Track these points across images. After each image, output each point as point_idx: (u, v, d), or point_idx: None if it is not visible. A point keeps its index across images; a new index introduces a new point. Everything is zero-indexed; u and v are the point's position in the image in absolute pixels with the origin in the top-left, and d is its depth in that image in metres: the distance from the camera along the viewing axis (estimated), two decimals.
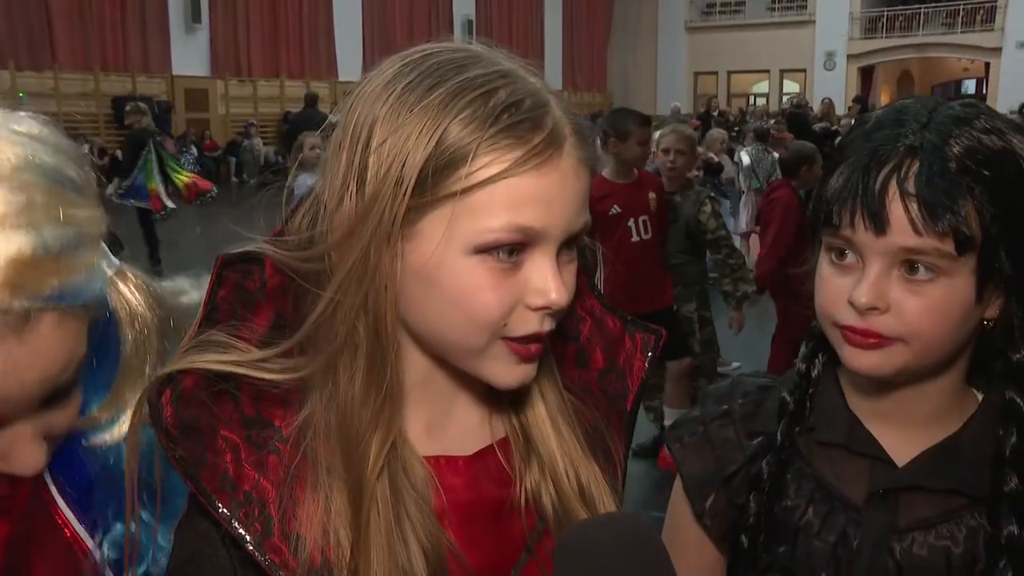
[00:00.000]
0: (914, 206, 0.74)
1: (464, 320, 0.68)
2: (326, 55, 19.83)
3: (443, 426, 0.77)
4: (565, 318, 0.79)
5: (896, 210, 0.75)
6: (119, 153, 14.63)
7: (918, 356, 0.79)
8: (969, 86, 26.55)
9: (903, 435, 0.86)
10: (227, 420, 0.70)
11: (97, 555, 0.77)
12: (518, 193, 0.65)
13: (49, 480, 0.76)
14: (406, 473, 0.72)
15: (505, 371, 0.70)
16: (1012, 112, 18.67)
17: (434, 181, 0.65)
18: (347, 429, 0.70)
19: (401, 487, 0.71)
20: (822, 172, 0.85)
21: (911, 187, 0.74)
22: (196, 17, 17.55)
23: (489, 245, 0.66)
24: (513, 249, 0.67)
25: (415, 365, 0.74)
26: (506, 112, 0.65)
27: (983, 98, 23.32)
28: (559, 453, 0.77)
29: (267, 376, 0.70)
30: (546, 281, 0.67)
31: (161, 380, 0.69)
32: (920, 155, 0.75)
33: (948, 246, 0.74)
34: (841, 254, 0.80)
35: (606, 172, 3.86)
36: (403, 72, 0.68)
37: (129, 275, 0.77)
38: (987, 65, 23.64)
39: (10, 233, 0.56)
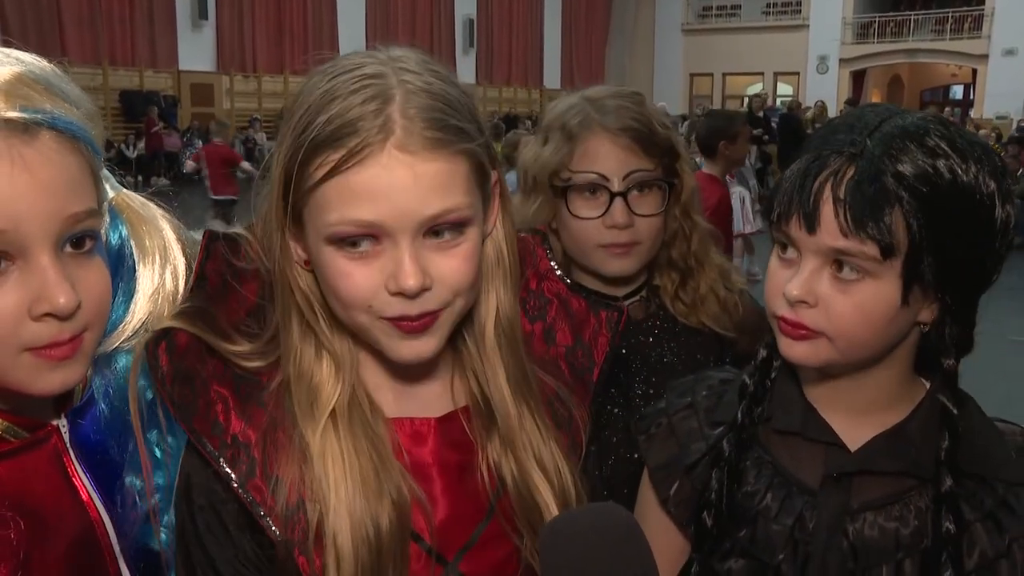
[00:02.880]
0: (841, 210, 0.76)
1: (338, 300, 0.75)
2: (330, 52, 19.91)
3: (408, 392, 0.82)
4: (533, 299, 0.88)
5: (827, 212, 0.77)
6: (124, 147, 14.90)
7: (843, 353, 0.81)
8: (957, 91, 26.70)
9: (854, 422, 0.87)
10: (219, 376, 0.77)
11: (106, 519, 0.81)
12: (346, 190, 0.71)
13: (69, 446, 0.80)
14: (372, 430, 0.77)
15: (396, 346, 0.75)
16: (999, 117, 19.03)
17: (296, 182, 0.73)
18: (300, 394, 0.77)
19: (366, 442, 0.76)
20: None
21: (841, 192, 0.76)
22: (203, 13, 17.66)
23: (333, 237, 0.72)
24: (358, 241, 0.72)
25: (361, 344, 0.80)
26: (339, 116, 0.71)
27: (970, 103, 23.67)
28: (518, 425, 0.81)
29: (249, 365, 0.78)
30: (398, 267, 0.72)
31: (158, 334, 0.76)
32: (858, 162, 0.77)
33: (873, 250, 0.76)
34: (784, 248, 0.83)
35: (713, 171, 3.99)
36: (308, 82, 0.76)
37: (133, 194, 0.85)
38: (974, 71, 23.94)
39: (5, 67, 0.70)
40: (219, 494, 0.75)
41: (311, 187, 0.72)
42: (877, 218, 0.76)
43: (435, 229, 0.73)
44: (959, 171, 0.77)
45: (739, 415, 0.90)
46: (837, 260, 0.79)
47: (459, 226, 0.75)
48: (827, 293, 0.79)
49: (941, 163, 0.77)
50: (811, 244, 0.79)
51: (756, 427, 0.91)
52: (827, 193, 0.77)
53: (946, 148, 0.77)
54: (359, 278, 0.73)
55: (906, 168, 0.76)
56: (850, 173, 0.77)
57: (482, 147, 0.76)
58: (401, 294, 0.72)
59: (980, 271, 0.80)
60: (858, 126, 0.80)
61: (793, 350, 0.83)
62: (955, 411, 0.83)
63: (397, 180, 0.71)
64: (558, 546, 0.70)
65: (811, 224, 0.78)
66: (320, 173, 0.71)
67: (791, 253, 0.82)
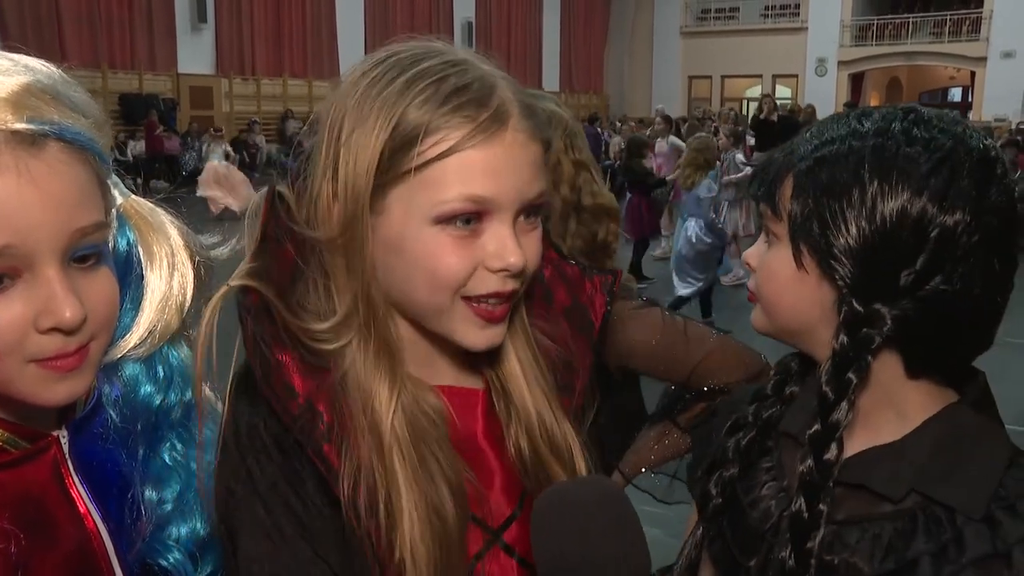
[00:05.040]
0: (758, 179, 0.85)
1: (428, 280, 0.74)
2: (329, 55, 19.98)
3: (444, 367, 0.83)
4: None
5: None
6: (123, 149, 14.91)
7: (769, 317, 0.85)
8: (955, 94, 26.75)
9: (857, 433, 0.82)
10: (280, 340, 0.76)
11: (104, 533, 0.79)
12: (467, 165, 0.71)
13: (68, 457, 0.78)
14: (421, 409, 0.78)
15: (471, 332, 0.76)
16: (998, 120, 19.06)
17: (393, 161, 0.71)
18: (361, 388, 0.76)
19: (420, 428, 0.77)
20: None
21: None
22: (202, 17, 17.73)
23: (446, 215, 0.72)
24: (470, 218, 0.72)
25: (402, 329, 0.80)
26: (454, 95, 0.71)
27: (969, 106, 23.71)
28: (532, 406, 0.83)
29: (320, 347, 0.77)
30: (503, 245, 0.73)
31: (238, 290, 0.77)
32: (795, 151, 0.81)
33: (768, 211, 0.82)
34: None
35: None
36: (369, 69, 0.75)
37: (142, 200, 0.84)
38: (972, 74, 23.98)
39: (12, 76, 0.69)
40: (293, 444, 0.74)
41: (418, 166, 0.71)
42: (769, 182, 0.81)
43: (526, 211, 0.76)
44: (856, 168, 0.76)
45: (748, 413, 0.91)
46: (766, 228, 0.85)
47: (540, 210, 0.78)
48: (761, 258, 0.85)
49: (833, 148, 0.78)
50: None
51: (773, 427, 0.90)
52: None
53: (852, 144, 0.77)
54: (460, 257, 0.73)
55: (807, 144, 0.80)
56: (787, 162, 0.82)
57: (551, 138, 0.80)
58: (504, 270, 0.74)
59: (878, 259, 0.76)
60: (835, 117, 0.84)
61: (752, 318, 0.89)
62: (811, 428, 0.78)
63: (515, 159, 0.73)
64: (548, 517, 0.71)
65: (751, 193, 0.87)
66: (434, 152, 0.71)
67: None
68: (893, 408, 0.82)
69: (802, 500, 0.77)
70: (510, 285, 0.75)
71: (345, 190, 0.73)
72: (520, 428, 0.83)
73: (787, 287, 0.82)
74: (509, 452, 0.83)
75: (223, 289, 0.78)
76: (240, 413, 0.77)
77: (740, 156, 8.35)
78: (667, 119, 11.68)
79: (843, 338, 0.78)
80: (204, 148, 13.85)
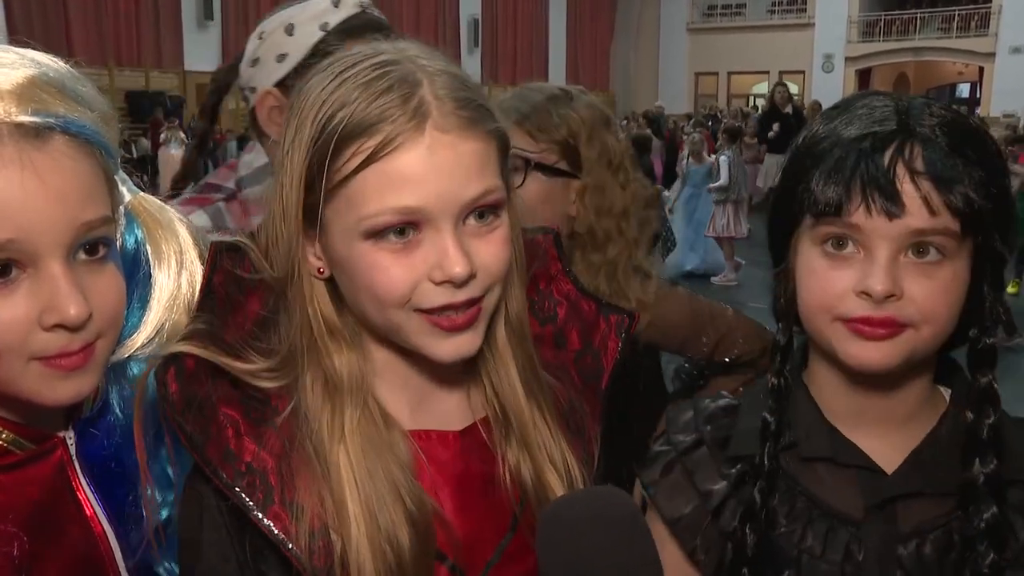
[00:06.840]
0: (927, 185, 0.72)
1: (373, 299, 0.71)
2: None
3: (428, 404, 0.80)
4: (543, 301, 0.85)
5: (909, 190, 0.72)
6: (134, 148, 14.96)
7: (927, 341, 0.76)
8: (963, 90, 26.65)
9: (884, 438, 0.82)
10: (226, 398, 0.73)
11: (111, 535, 0.79)
12: (386, 176, 0.67)
13: (75, 458, 0.78)
14: (389, 446, 0.74)
15: (435, 344, 0.72)
16: (1006, 115, 18.93)
17: (319, 179, 0.69)
18: (309, 421, 0.74)
19: (383, 459, 0.73)
20: (783, 172, 0.82)
21: (920, 166, 0.72)
22: (208, 14, 17.76)
23: (374, 230, 0.68)
24: (403, 229, 0.69)
25: (378, 351, 0.77)
26: (372, 101, 0.68)
27: (977, 101, 23.57)
28: (533, 430, 0.80)
29: (263, 384, 0.74)
30: (443, 255, 0.69)
31: (166, 359, 0.73)
32: (918, 137, 0.73)
33: (956, 226, 0.73)
34: (839, 244, 0.76)
35: None
36: (313, 77, 0.73)
37: (151, 197, 0.83)
38: (981, 69, 23.83)
39: (18, 69, 0.68)
40: (232, 525, 0.73)
41: (340, 181, 0.68)
42: (961, 187, 0.72)
43: (478, 212, 0.71)
44: (992, 142, 0.79)
45: (766, 460, 0.83)
46: (915, 244, 0.74)
47: (496, 209, 0.72)
48: (910, 281, 0.74)
49: (974, 125, 0.78)
50: (889, 231, 0.73)
51: (783, 459, 0.84)
52: (903, 171, 0.72)
53: (978, 123, 0.79)
54: (400, 271, 0.69)
55: (958, 138, 0.75)
56: (917, 149, 0.73)
57: (503, 129, 0.75)
58: (448, 282, 0.69)
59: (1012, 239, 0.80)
60: (879, 107, 0.77)
61: (873, 354, 0.76)
62: (991, 418, 0.78)
63: (440, 162, 0.68)
64: (555, 530, 0.69)
65: (894, 207, 0.72)
66: (352, 164, 0.68)
67: (849, 248, 0.76)
68: (920, 408, 0.83)
69: (993, 507, 0.77)
70: (461, 295, 0.70)
71: (287, 208, 0.71)
72: (520, 448, 0.79)
73: (959, 303, 0.76)
74: (502, 487, 0.79)
75: (151, 365, 0.74)
76: (189, 496, 0.75)
77: (723, 158, 8.44)
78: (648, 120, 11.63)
79: (989, 340, 0.80)
80: (162, 137, 13.95)
